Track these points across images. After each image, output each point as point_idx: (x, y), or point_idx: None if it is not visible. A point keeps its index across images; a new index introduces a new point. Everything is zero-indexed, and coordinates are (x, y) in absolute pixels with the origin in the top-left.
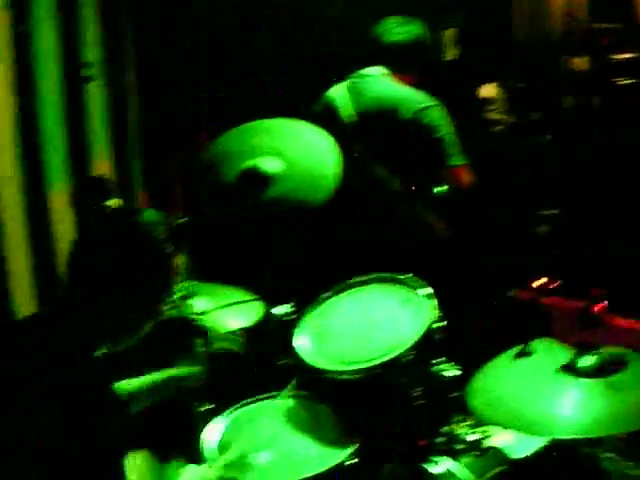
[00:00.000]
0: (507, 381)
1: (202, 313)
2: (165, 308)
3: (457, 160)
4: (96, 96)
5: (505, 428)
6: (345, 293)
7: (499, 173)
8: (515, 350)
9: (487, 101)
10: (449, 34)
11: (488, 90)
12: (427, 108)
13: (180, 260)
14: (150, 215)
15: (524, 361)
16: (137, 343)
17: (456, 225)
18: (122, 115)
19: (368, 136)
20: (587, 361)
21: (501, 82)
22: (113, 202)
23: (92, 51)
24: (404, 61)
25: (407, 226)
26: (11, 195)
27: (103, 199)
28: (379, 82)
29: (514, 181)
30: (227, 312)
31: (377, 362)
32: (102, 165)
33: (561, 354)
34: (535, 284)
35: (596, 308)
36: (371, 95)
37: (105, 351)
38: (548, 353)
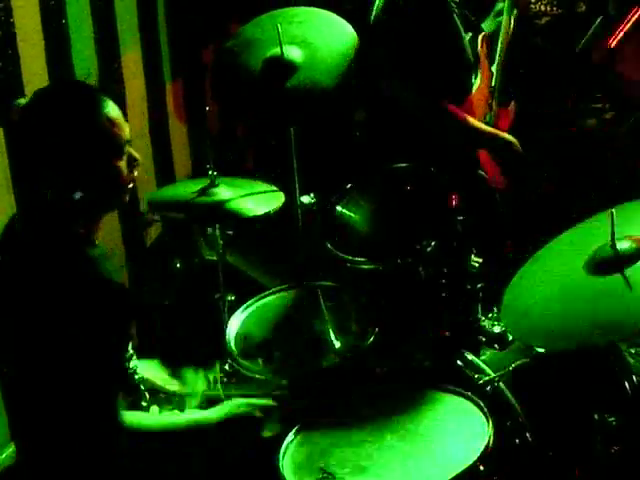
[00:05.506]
0: (532, 292)
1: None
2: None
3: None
4: None
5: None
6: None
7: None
8: None
9: None
10: None
11: None
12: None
13: None
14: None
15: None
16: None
17: None
18: (151, 2)
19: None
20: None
21: None
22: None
23: None
24: None
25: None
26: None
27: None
28: None
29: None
30: (250, 199)
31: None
32: (132, 54)
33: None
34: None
35: None
36: None
37: None
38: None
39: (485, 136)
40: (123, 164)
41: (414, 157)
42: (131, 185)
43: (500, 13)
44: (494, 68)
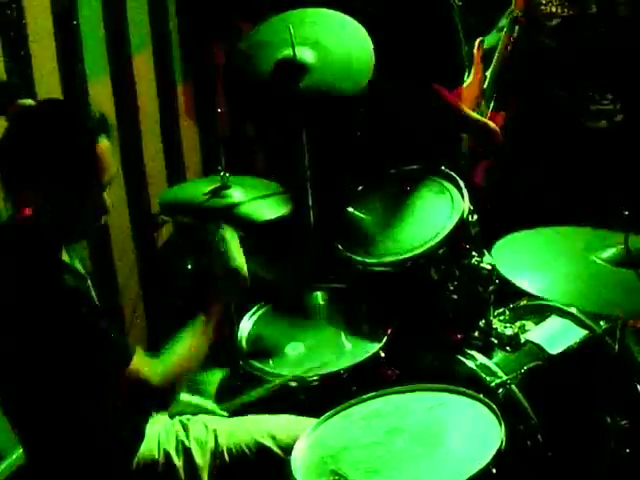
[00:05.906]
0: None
1: (238, 204)
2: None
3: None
4: None
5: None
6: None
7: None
8: None
9: None
10: None
11: None
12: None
13: None
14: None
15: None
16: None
17: None
18: (162, 4)
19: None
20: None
21: None
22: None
23: None
24: None
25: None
26: (51, 88)
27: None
28: None
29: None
30: (261, 203)
31: (408, 255)
32: (143, 55)
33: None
34: None
35: None
36: None
37: None
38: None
39: (471, 120)
40: (89, 201)
41: (408, 156)
42: (103, 220)
43: (503, 29)
44: (488, 73)
